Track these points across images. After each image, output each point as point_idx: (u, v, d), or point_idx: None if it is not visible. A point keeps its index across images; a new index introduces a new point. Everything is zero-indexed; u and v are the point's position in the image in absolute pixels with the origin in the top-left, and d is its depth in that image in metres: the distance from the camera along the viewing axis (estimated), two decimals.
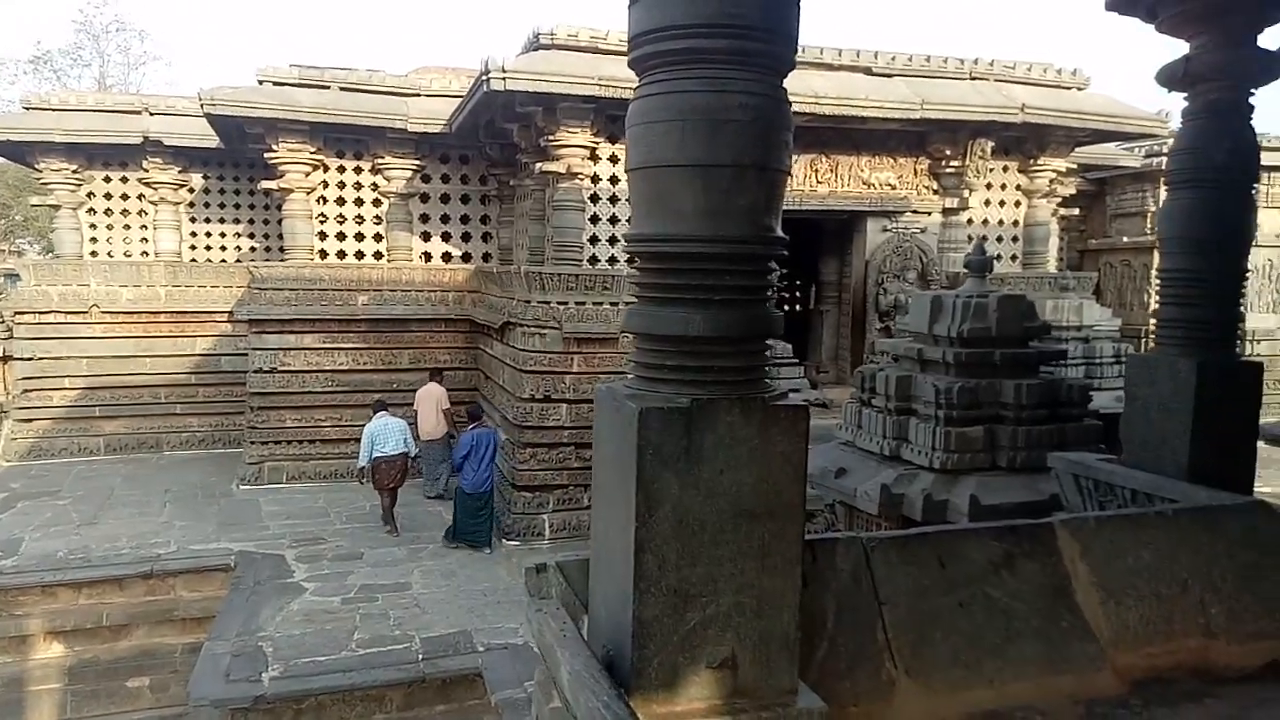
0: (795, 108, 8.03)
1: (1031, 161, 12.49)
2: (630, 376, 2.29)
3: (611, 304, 10.02)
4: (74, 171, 14.91)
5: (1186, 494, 3.70)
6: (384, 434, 10.22)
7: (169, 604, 9.03)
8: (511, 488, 10.14)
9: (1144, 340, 14.69)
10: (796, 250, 13.59)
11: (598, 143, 10.40)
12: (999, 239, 12.88)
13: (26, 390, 14.06)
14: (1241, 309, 4.15)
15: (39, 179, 15.33)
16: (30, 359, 14.07)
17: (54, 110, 14.57)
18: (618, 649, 2.22)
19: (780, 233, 2.20)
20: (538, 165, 10.62)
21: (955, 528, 3.09)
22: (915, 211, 12.11)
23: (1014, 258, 12.95)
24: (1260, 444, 8.39)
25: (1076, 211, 16.36)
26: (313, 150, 12.30)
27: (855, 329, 12.65)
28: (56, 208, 15.15)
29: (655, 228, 2.13)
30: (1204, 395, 3.85)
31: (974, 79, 11.52)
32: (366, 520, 10.71)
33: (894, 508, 5.05)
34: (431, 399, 11.51)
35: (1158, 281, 4.15)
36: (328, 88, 11.94)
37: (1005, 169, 12.64)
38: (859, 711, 2.64)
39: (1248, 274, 4.10)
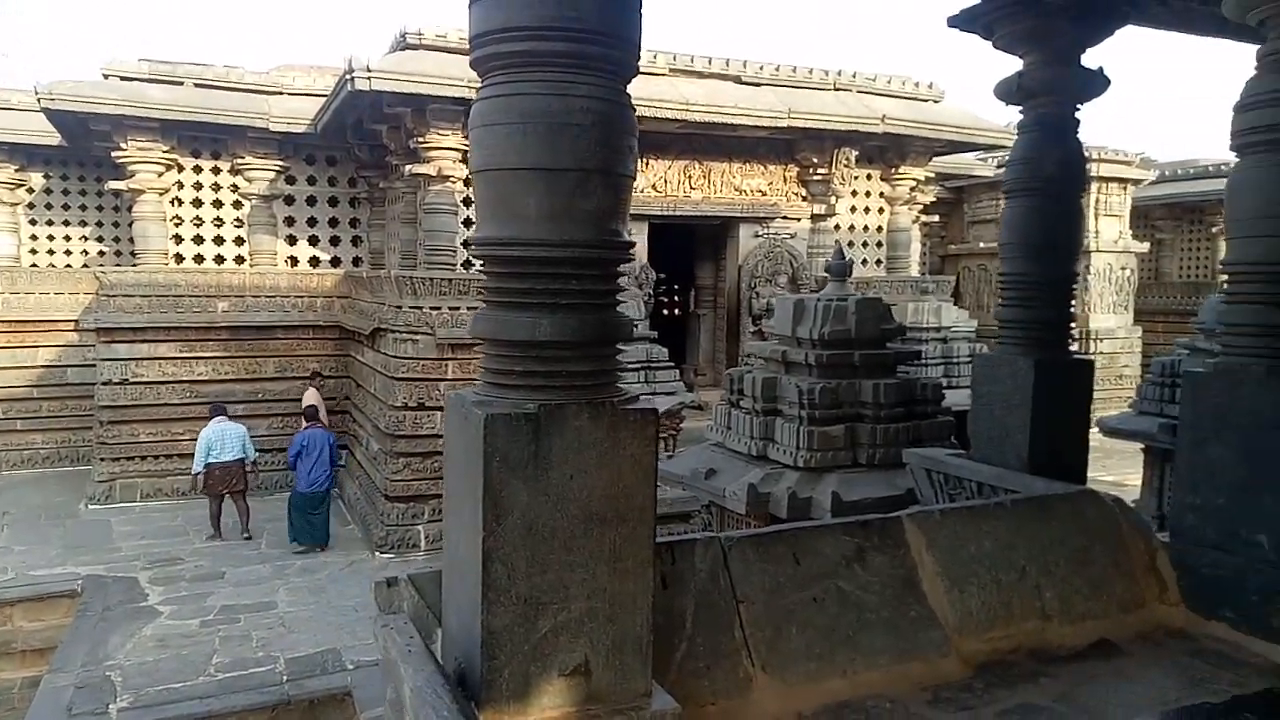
0: (667, 114, 8.09)
1: (893, 170, 13.05)
2: (479, 383, 2.25)
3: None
4: None
5: (1026, 485, 3.92)
6: (220, 439, 9.99)
7: (6, 635, 8.38)
8: (384, 499, 9.87)
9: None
10: (674, 255, 13.84)
11: (469, 145, 10.25)
12: (864, 244, 13.40)
13: None
14: (1073, 309, 4.43)
15: None
16: None
17: None
18: (469, 661, 2.18)
19: (627, 237, 2.21)
20: (408, 168, 10.38)
21: (809, 524, 3.17)
22: (786, 218, 12.47)
23: (879, 262, 13.49)
24: (1102, 436, 9.01)
25: (937, 218, 17.21)
26: (166, 149, 11.65)
27: (730, 333, 12.90)
28: None
29: (500, 231, 2.11)
30: (1041, 391, 4.09)
31: (838, 90, 11.95)
32: (229, 537, 10.21)
33: (761, 506, 5.16)
34: (317, 403, 11.38)
35: (999, 284, 4.38)
36: (181, 84, 11.34)
37: (869, 177, 13.16)
38: (717, 709, 2.67)
39: (1078, 277, 4.38)
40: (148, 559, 9.49)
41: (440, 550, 8.94)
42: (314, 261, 12.92)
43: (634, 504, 2.19)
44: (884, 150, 12.80)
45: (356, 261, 13.17)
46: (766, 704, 2.70)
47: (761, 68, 11.50)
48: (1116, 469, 12.05)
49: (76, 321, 13.56)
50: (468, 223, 10.57)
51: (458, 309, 9.89)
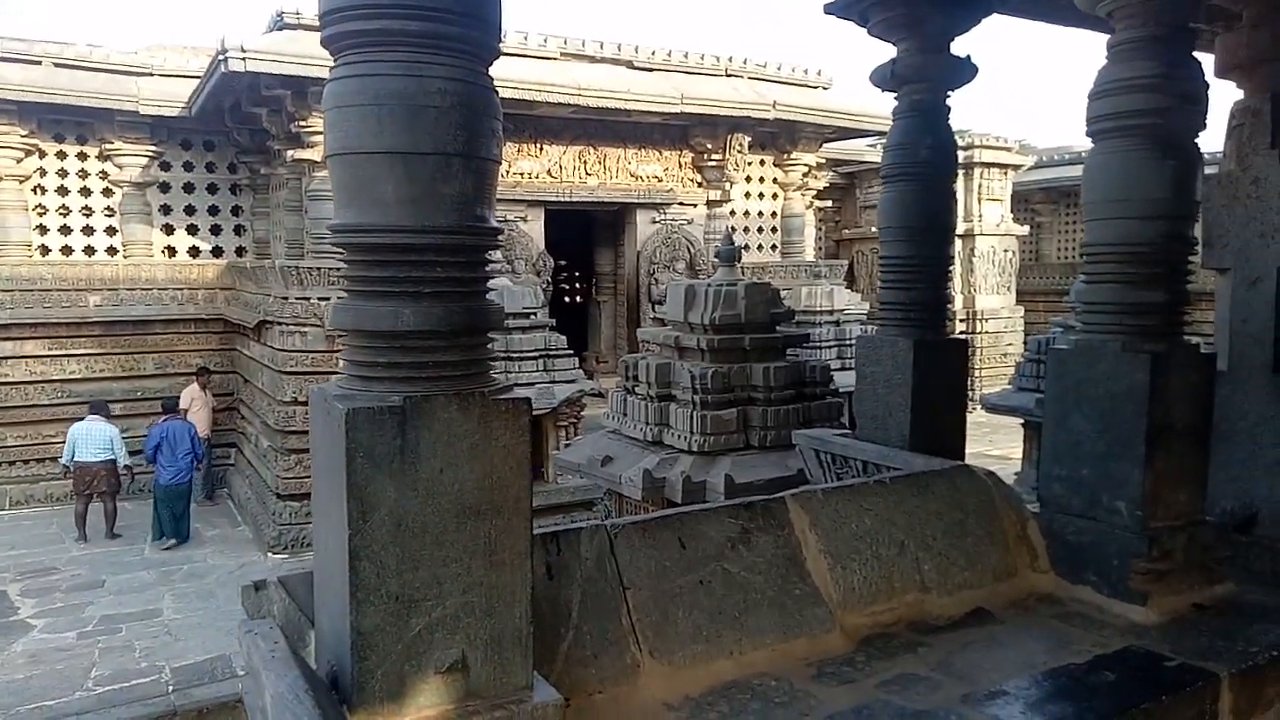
0: (559, 99, 8.01)
1: (785, 156, 13.28)
2: (344, 376, 2.16)
3: None
4: None
5: (907, 462, 4.03)
6: (86, 438, 9.70)
7: None
8: (276, 497, 9.54)
9: None
10: (573, 242, 13.77)
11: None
12: (760, 230, 13.60)
13: None
14: (951, 290, 4.57)
15: None
16: None
17: None
18: (340, 663, 2.10)
19: (493, 223, 2.15)
20: (291, 153, 10.01)
21: (694, 508, 3.19)
22: (682, 204, 12.55)
23: (774, 247, 13.72)
24: (986, 413, 9.38)
25: (830, 203, 17.61)
26: (25, 133, 10.93)
27: (631, 319, 12.93)
28: None
29: (358, 217, 2.03)
30: (920, 371, 4.22)
31: (730, 76, 12.07)
32: (109, 545, 9.70)
33: (656, 492, 5.18)
34: (199, 399, 11.10)
35: (878, 267, 4.50)
36: (39, 63, 10.63)
37: (762, 163, 13.36)
38: (605, 697, 2.66)
39: (953, 258, 4.52)
40: (18, 570, 8.94)
41: None
42: (194, 252, 12.34)
43: (509, 495, 2.15)
44: (776, 136, 13.00)
45: (240, 251, 12.64)
46: (654, 689, 2.71)
47: (654, 53, 11.51)
48: (1002, 443, 12.61)
49: None
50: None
51: None
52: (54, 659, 7.00)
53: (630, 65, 11.27)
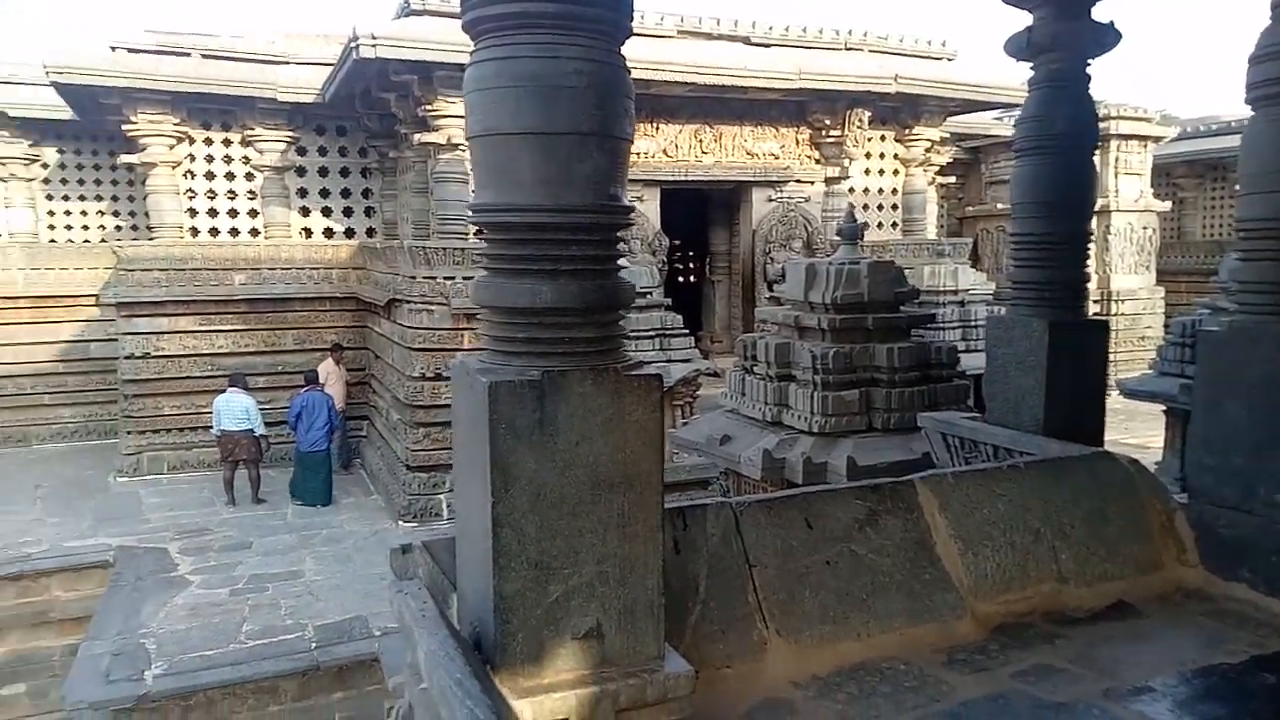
0: (677, 77, 7.96)
1: (907, 131, 12.87)
2: (483, 351, 2.25)
3: None
4: None
5: (1041, 447, 3.89)
6: (227, 409, 10.34)
7: (44, 605, 8.55)
8: (405, 469, 9.95)
9: None
10: (688, 221, 13.76)
11: (465, 110, 10.17)
12: (879, 207, 13.26)
13: None
14: (1089, 269, 4.37)
15: None
16: None
17: None
18: (483, 625, 2.20)
19: (626, 202, 2.19)
20: (418, 136, 10.34)
21: (820, 488, 3.17)
22: (799, 181, 12.34)
23: (894, 225, 13.35)
24: (1124, 399, 8.92)
25: (954, 179, 17.02)
26: (176, 121, 11.65)
27: (746, 298, 12.85)
28: None
29: (497, 197, 2.09)
30: (1055, 353, 4.05)
31: (850, 49, 11.76)
32: (257, 509, 10.36)
33: (776, 472, 5.17)
34: (334, 373, 11.66)
35: (1010, 245, 4.33)
36: (189, 55, 11.29)
37: (883, 138, 12.99)
38: (732, 672, 2.69)
39: (1092, 235, 4.31)
40: (176, 530, 9.64)
41: None
42: (328, 233, 12.94)
43: (641, 469, 2.19)
44: (898, 111, 12.61)
45: (370, 232, 13.18)
46: (781, 666, 2.72)
47: (771, 28, 11.32)
48: (1140, 431, 11.97)
49: (97, 296, 13.66)
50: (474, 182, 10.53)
51: (471, 278, 9.84)
52: (210, 613, 7.53)
53: (748, 41, 11.13)
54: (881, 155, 13.12)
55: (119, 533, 9.50)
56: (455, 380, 2.29)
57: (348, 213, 13.06)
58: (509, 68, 1.98)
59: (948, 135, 13.71)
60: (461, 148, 10.13)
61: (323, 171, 12.79)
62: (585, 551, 2.17)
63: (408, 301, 10.05)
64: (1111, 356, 15.90)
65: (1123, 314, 16.69)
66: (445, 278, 9.82)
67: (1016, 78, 12.34)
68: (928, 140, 12.99)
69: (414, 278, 9.89)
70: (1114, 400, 11.29)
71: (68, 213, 14.96)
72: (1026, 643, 2.92)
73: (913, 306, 5.92)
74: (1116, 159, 16.54)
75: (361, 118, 12.15)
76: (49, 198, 14.82)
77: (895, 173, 13.26)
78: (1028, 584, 3.14)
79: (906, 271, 6.44)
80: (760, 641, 2.75)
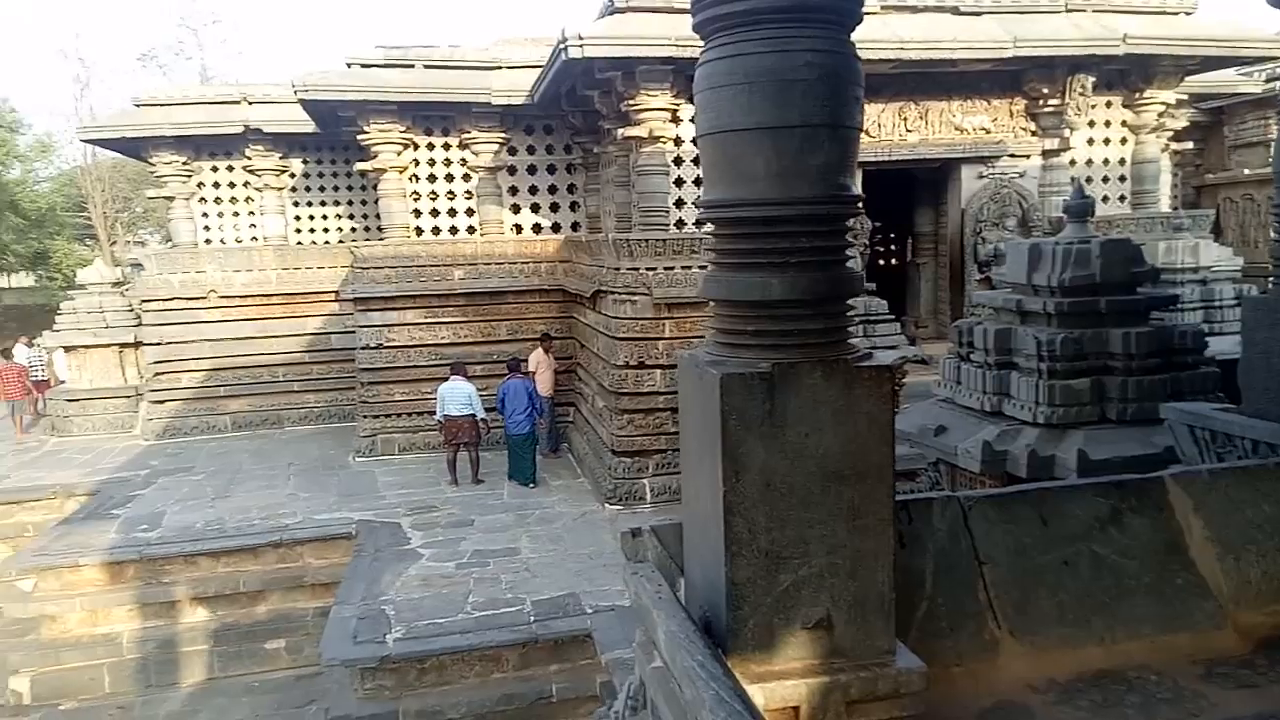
0: (880, 55, 7.71)
1: (1137, 95, 11.78)
2: (711, 342, 2.30)
3: (700, 267, 9.98)
4: (183, 163, 15.68)
5: None
6: (451, 396, 11.06)
7: (299, 571, 9.58)
8: (611, 453, 10.30)
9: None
10: (890, 202, 13.31)
11: (678, 104, 10.31)
12: (1105, 179, 12.24)
13: (157, 374, 14.99)
14: None
15: (153, 172, 16.18)
16: (158, 344, 14.98)
17: (162, 105, 15.33)
18: (714, 610, 2.27)
19: (856, 191, 2.17)
20: (620, 131, 10.61)
21: (1056, 484, 3.01)
22: (1013, 155, 11.62)
23: (1122, 198, 12.29)
24: None
25: (1190, 145, 15.41)
26: (402, 129, 12.58)
27: (954, 282, 12.28)
28: (170, 199, 15.98)
29: (727, 193, 2.13)
30: None
31: (1070, 11, 10.90)
32: (476, 489, 11.08)
33: (997, 465, 4.93)
34: (544, 362, 12.28)
35: (1272, 216, 3.89)
36: (412, 66, 12.17)
37: (1108, 105, 11.97)
38: (963, 671, 2.62)
39: None
40: (408, 506, 10.48)
41: (665, 503, 9.19)
42: (536, 228, 13.57)
43: (871, 461, 2.18)
44: (1125, 74, 11.56)
45: (575, 226, 13.69)
46: (1015, 668, 2.62)
47: None
48: None
49: (337, 292, 15.09)
50: (679, 182, 10.69)
51: (672, 269, 10.06)
52: (439, 584, 8.15)
53: (955, 11, 10.57)
54: (1107, 123, 12.10)
55: (359, 508, 10.44)
56: (683, 371, 2.37)
57: (554, 208, 13.65)
58: (740, 64, 2.02)
59: (1184, 97, 12.43)
60: (662, 140, 10.32)
61: (531, 169, 13.42)
62: (815, 542, 2.18)
63: (611, 292, 10.36)
64: None
65: None
66: (647, 268, 10.04)
67: (1269, 27, 11.04)
68: (1161, 104, 11.83)
69: (618, 269, 10.19)
70: None
71: (311, 217, 16.58)
72: None
73: (1150, 287, 5.44)
74: None
75: (566, 115, 12.62)
76: (295, 204, 16.48)
77: (1123, 141, 12.19)
78: None
79: (1140, 249, 5.92)
80: (992, 641, 2.67)
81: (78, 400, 15.29)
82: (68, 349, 15.49)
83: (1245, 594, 2.79)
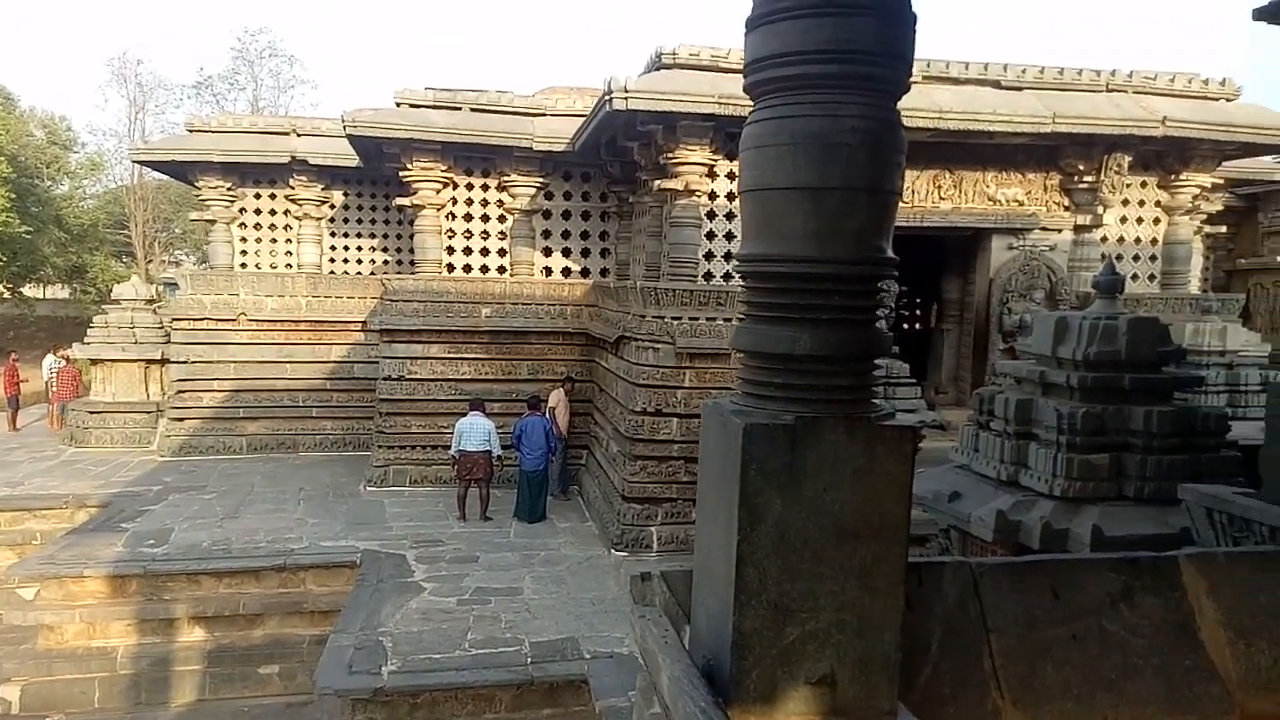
0: (919, 123, 7.84)
1: (1173, 177, 11.84)
2: (737, 393, 2.34)
3: (725, 320, 10.07)
4: (228, 189, 16.06)
5: None
6: (470, 431, 11.16)
7: (299, 596, 9.57)
8: (621, 499, 10.29)
9: None
10: (918, 267, 13.36)
11: (716, 160, 10.48)
12: (1135, 258, 12.26)
13: (180, 391, 15.18)
14: None
15: (197, 195, 16.57)
16: (184, 362, 15.19)
17: (213, 133, 15.77)
18: (717, 659, 2.27)
19: (890, 254, 2.22)
20: (656, 182, 10.78)
21: (1070, 556, 3.00)
22: (1044, 229, 11.67)
23: (1152, 278, 12.29)
24: None
25: (1224, 229, 15.43)
26: (444, 168, 12.85)
27: (977, 350, 12.26)
28: (212, 222, 16.34)
29: (765, 248, 2.19)
30: None
31: (1110, 91, 11.04)
32: (483, 526, 11.07)
33: (1010, 535, 4.90)
34: (562, 403, 12.42)
35: None
36: (459, 109, 12.46)
37: (1144, 184, 12.03)
38: None
39: None
40: (414, 539, 10.48)
41: (671, 552, 9.15)
42: (565, 272, 13.74)
43: (887, 521, 2.20)
44: (1162, 155, 11.64)
45: (604, 272, 13.84)
46: None
47: (1024, 71, 10.86)
48: None
49: (364, 323, 15.29)
50: (710, 235, 10.81)
51: (697, 319, 10.13)
52: (439, 619, 8.12)
53: (997, 85, 10.73)
54: (1141, 203, 12.15)
55: (366, 537, 10.46)
56: (706, 419, 2.40)
57: (585, 253, 13.82)
58: (788, 126, 2.09)
59: (1220, 181, 12.47)
60: (698, 194, 10.47)
61: (565, 215, 13.63)
62: (825, 598, 2.19)
63: (635, 339, 10.44)
64: None
65: None
66: (673, 317, 10.12)
67: None
68: (1196, 186, 11.89)
69: (643, 316, 10.28)
70: None
71: (346, 248, 16.87)
72: None
73: (1175, 367, 5.44)
74: None
75: (605, 164, 12.84)
76: (333, 234, 16.79)
77: (1156, 221, 12.23)
78: None
79: (1168, 329, 5.92)
80: (994, 711, 2.65)
81: (99, 412, 15.50)
82: (94, 361, 15.75)
83: (1254, 681, 2.75)
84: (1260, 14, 3.93)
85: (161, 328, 15.96)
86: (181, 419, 15.10)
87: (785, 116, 2.10)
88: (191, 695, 9.18)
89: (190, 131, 16.02)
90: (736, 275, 11.23)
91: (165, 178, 22.37)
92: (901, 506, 2.20)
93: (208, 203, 16.13)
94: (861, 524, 2.18)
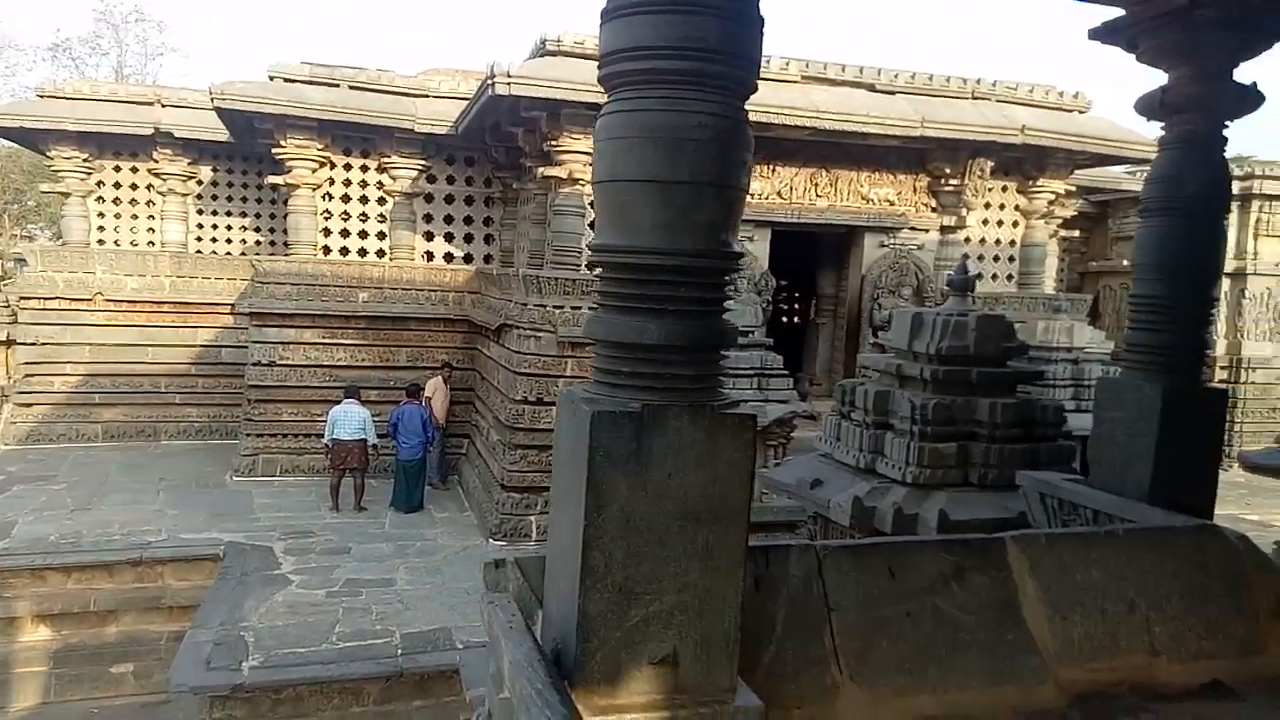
0: (797, 121, 8.08)
1: (1031, 182, 12.60)
2: (591, 381, 2.38)
3: None
4: (84, 160, 15.09)
5: (1144, 516, 3.77)
6: (344, 419, 10.89)
7: (157, 591, 9.13)
8: (500, 488, 10.23)
9: None
10: (796, 263, 13.77)
11: (593, 157, 10.49)
12: (995, 258, 12.97)
13: (28, 375, 14.20)
14: (1210, 336, 4.22)
15: (50, 166, 15.49)
16: (33, 344, 14.22)
17: (67, 99, 14.76)
18: (564, 642, 2.31)
19: (736, 248, 2.29)
20: (540, 169, 10.73)
21: (907, 539, 3.17)
22: (913, 228, 12.22)
23: (1010, 277, 13.04)
24: (1246, 472, 8.45)
25: (1077, 233, 16.47)
26: (320, 147, 12.43)
27: (850, 343, 12.74)
28: (66, 195, 15.32)
29: (616, 239, 2.22)
30: (1168, 420, 3.93)
31: (975, 99, 11.63)
32: (358, 517, 10.81)
33: (866, 520, 5.13)
34: (440, 391, 12.17)
35: (1129, 306, 4.23)
36: (337, 86, 12.08)
37: (1004, 189, 12.75)
38: (802, 713, 2.71)
39: (1217, 302, 4.17)
40: (283, 530, 10.15)
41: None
42: (448, 257, 13.51)
43: (729, 505, 2.27)
44: (1022, 161, 12.37)
45: (487, 259, 13.69)
46: (852, 713, 2.73)
47: (896, 76, 11.32)
48: (1261, 507, 11.28)
49: (233, 305, 14.64)
50: (594, 225, 10.83)
51: (579, 308, 10.16)
52: (306, 612, 7.90)
53: (871, 88, 11.15)
54: (1001, 206, 12.87)
55: (231, 529, 10.07)
56: (561, 407, 2.43)
57: (468, 239, 13.63)
58: (638, 119, 2.12)
59: (1073, 188, 13.34)
60: (582, 182, 10.48)
61: (449, 199, 13.40)
62: (668, 580, 2.25)
63: (517, 327, 10.39)
64: (1237, 427, 15.12)
65: (1253, 383, 15.77)
66: (555, 306, 10.12)
67: (1152, 132, 11.96)
68: (1052, 193, 12.69)
69: (525, 304, 10.23)
70: (1235, 474, 10.75)
71: (215, 226, 16.10)
72: (1111, 714, 2.85)
73: (1022, 362, 5.79)
74: (1258, 220, 15.76)
75: (489, 149, 12.69)
76: (199, 212, 16.00)
77: (1014, 224, 12.97)
78: (1117, 654, 3.06)
79: (1019, 326, 6.30)
80: (832, 686, 2.77)
81: None
82: None
83: (1068, 652, 2.98)
84: (1094, 34, 4.22)
85: (8, 306, 14.87)
86: (29, 404, 14.14)
87: (636, 110, 2.13)
88: (35, 698, 8.66)
89: (41, 97, 14.94)
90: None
91: (16, 146, 20.79)
92: (743, 490, 2.27)
93: (60, 174, 15.11)
94: (704, 507, 2.24)
